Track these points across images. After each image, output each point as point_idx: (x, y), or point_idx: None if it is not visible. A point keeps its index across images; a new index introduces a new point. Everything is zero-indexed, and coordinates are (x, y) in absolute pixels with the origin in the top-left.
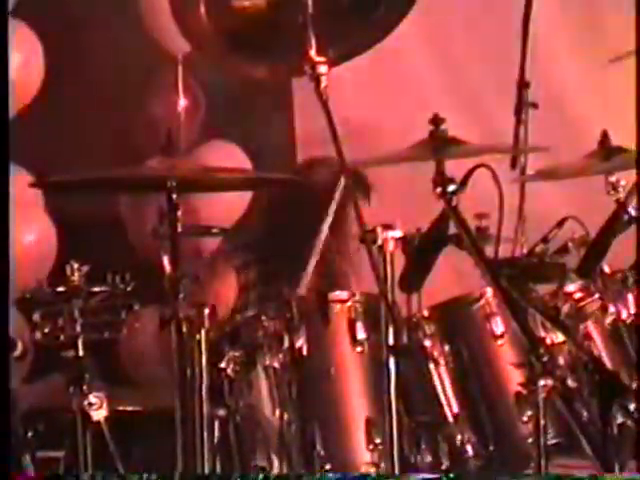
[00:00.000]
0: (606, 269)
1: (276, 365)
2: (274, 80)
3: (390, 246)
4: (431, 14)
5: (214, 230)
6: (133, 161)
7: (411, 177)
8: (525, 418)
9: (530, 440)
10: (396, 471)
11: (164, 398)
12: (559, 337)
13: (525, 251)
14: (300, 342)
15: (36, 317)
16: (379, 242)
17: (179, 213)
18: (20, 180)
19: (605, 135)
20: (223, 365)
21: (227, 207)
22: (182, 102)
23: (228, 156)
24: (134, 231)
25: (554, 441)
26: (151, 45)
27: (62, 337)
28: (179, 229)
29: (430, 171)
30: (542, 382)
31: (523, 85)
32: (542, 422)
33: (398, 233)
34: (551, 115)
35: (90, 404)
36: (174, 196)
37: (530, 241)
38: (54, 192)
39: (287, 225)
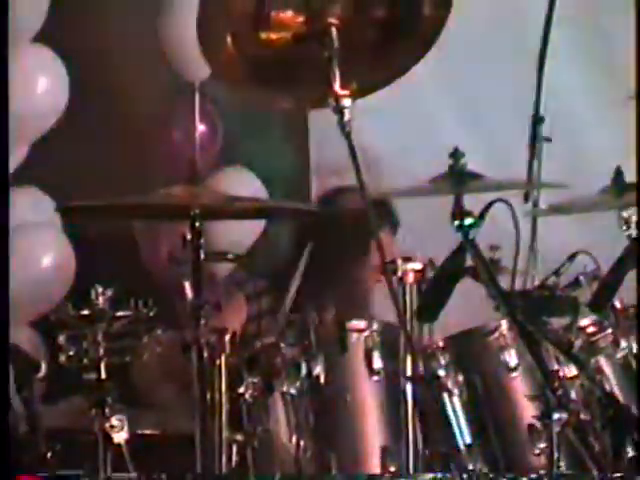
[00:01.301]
0: (617, 304)
1: (293, 392)
2: (296, 111)
3: (410, 278)
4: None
5: (229, 256)
6: (150, 188)
7: (426, 210)
8: (537, 450)
9: (542, 472)
10: None
11: (183, 422)
12: (572, 371)
13: (536, 284)
14: (317, 370)
15: (61, 340)
16: (399, 274)
17: (202, 240)
18: (40, 203)
19: (619, 171)
20: (241, 390)
21: (239, 234)
22: (199, 129)
23: (244, 184)
24: (147, 255)
25: (566, 473)
26: (168, 72)
27: (85, 360)
28: (202, 256)
29: (442, 204)
30: (557, 415)
31: (537, 120)
32: (556, 454)
33: (418, 265)
34: (565, 150)
35: (112, 426)
36: (197, 224)
37: (540, 274)
38: (76, 216)
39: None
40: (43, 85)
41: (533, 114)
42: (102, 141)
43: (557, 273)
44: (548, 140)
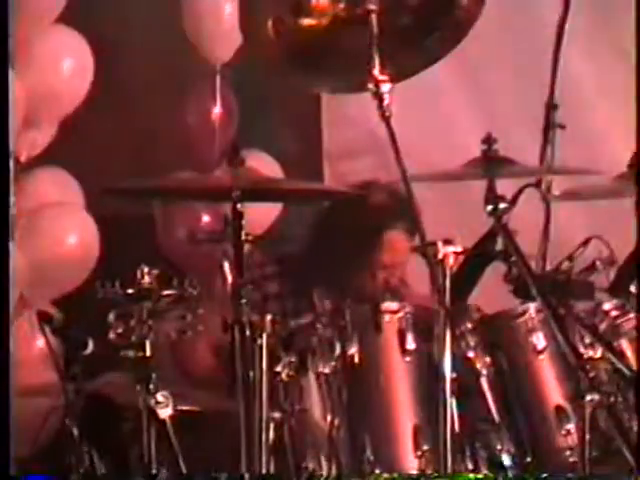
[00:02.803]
0: (632, 289)
1: (327, 371)
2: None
3: (450, 260)
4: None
5: (249, 237)
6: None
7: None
8: (564, 431)
9: (567, 453)
10: None
11: (223, 400)
12: (597, 353)
13: (548, 269)
14: (352, 350)
15: (111, 317)
16: (440, 256)
17: (243, 222)
18: (64, 183)
19: (635, 157)
20: (278, 369)
21: (257, 217)
22: (217, 112)
23: (263, 166)
24: (165, 235)
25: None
26: (191, 54)
27: (133, 337)
28: (242, 237)
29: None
30: (589, 397)
31: (551, 107)
32: (587, 436)
33: (458, 248)
34: (579, 136)
35: (157, 402)
36: (239, 205)
37: (552, 259)
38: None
39: (326, 242)
40: (69, 66)
41: (547, 101)
42: (124, 123)
43: (571, 258)
44: (562, 127)
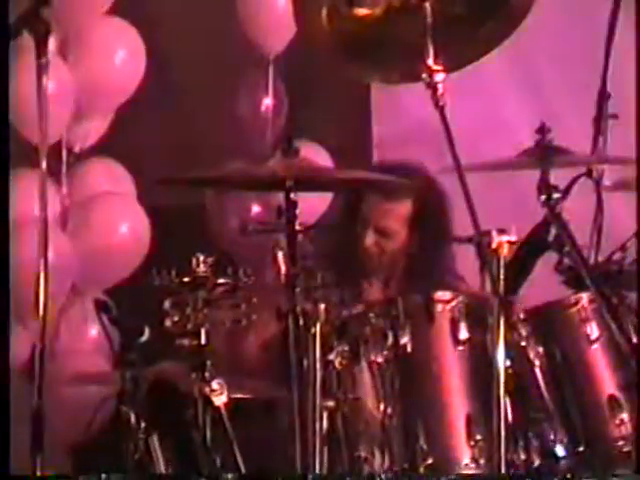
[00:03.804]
0: None
1: (380, 360)
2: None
3: (504, 250)
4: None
5: (302, 227)
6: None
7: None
8: (618, 421)
9: (621, 443)
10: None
11: (277, 389)
12: None
13: (600, 259)
14: (404, 339)
15: (167, 305)
16: (494, 245)
17: (297, 211)
18: (114, 173)
19: None
20: (331, 358)
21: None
22: (269, 102)
23: (314, 156)
24: (216, 225)
25: None
26: (244, 44)
27: (189, 326)
28: (296, 227)
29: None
30: None
31: (604, 96)
32: None
33: (512, 237)
34: (631, 127)
35: (212, 390)
36: (292, 195)
37: (603, 251)
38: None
39: None
40: (121, 56)
41: (600, 90)
42: (175, 113)
43: (623, 248)
44: (615, 117)
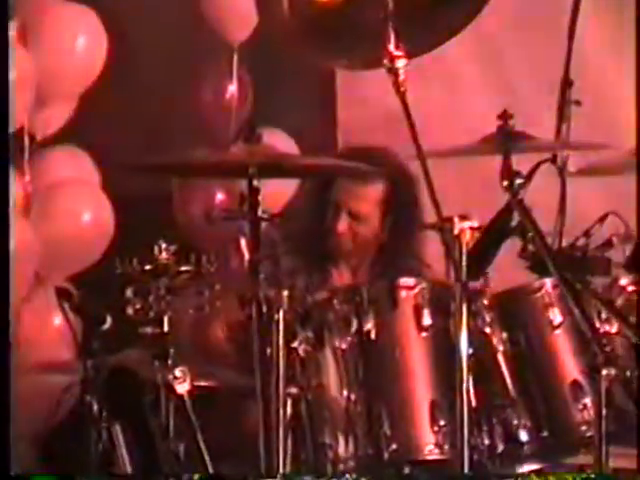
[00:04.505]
0: None
1: (344, 347)
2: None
3: (466, 236)
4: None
5: (264, 215)
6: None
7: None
8: (580, 406)
9: (584, 428)
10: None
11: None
12: (614, 328)
13: (564, 245)
14: (368, 326)
15: (129, 293)
16: (456, 231)
17: (260, 198)
18: (78, 160)
19: None
20: (295, 345)
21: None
22: (232, 90)
23: (278, 143)
24: (180, 213)
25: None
26: (207, 32)
27: (151, 313)
28: (259, 214)
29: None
30: (605, 371)
31: (567, 83)
32: (604, 411)
33: (475, 223)
34: (593, 113)
35: (175, 377)
36: (255, 182)
37: (568, 236)
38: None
39: None
40: (82, 42)
41: (562, 77)
42: (139, 101)
43: (587, 234)
44: (578, 104)
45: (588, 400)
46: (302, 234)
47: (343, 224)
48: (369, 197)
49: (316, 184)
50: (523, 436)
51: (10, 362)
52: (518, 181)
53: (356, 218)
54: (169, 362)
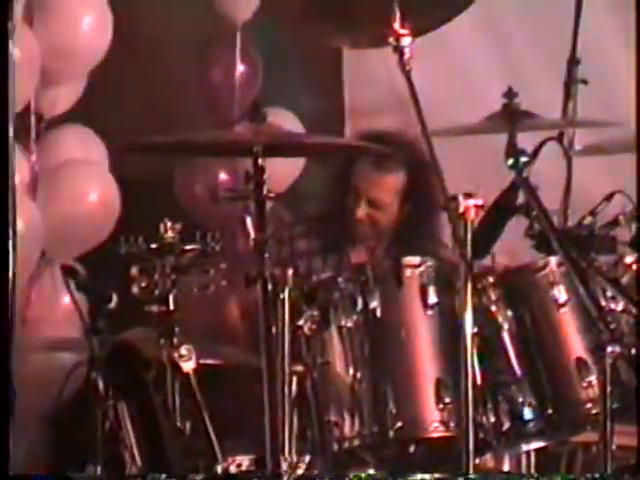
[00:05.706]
0: None
1: (349, 325)
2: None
3: (471, 214)
4: None
5: (270, 194)
6: (192, 127)
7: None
8: (585, 384)
9: (589, 405)
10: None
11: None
12: (619, 306)
13: (570, 224)
14: (373, 304)
15: (134, 272)
16: (461, 209)
17: (265, 177)
18: (87, 141)
19: None
20: (300, 323)
21: (279, 173)
22: (239, 69)
23: (284, 122)
24: (186, 193)
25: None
26: (212, 11)
27: (156, 292)
28: (264, 192)
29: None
30: (610, 348)
31: (573, 62)
32: (608, 388)
33: (479, 201)
34: (600, 92)
35: (180, 355)
36: (260, 161)
37: (574, 215)
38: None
39: None
40: (87, 22)
41: (569, 56)
42: (147, 81)
43: (594, 213)
44: (584, 82)
45: (593, 378)
46: (320, 217)
47: (362, 211)
48: (389, 186)
49: (336, 169)
50: (528, 414)
51: (11, 363)
52: (523, 159)
53: (375, 206)
54: (174, 340)
